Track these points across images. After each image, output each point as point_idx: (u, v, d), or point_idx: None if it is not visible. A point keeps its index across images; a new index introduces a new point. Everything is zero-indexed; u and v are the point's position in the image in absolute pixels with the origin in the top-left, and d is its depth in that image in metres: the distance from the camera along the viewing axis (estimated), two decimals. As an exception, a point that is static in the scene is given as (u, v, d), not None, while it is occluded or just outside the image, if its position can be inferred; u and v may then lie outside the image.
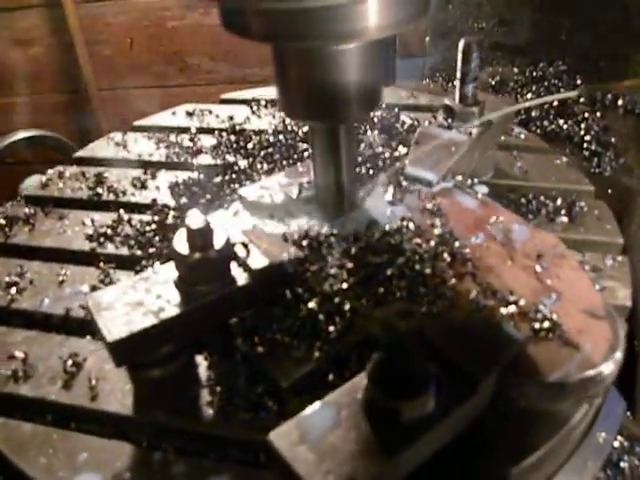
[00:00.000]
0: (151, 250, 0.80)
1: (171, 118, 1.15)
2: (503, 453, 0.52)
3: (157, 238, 0.81)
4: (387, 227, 0.67)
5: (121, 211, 0.88)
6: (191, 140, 1.05)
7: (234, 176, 0.92)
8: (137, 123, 1.13)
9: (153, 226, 0.83)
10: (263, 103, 1.17)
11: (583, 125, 0.99)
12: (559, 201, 0.83)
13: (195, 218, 0.60)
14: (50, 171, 1.00)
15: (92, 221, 0.87)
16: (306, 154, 0.95)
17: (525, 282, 0.61)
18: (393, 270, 0.61)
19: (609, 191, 0.87)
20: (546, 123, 0.99)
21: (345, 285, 0.61)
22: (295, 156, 0.96)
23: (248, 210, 0.77)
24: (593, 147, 0.97)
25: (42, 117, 2.17)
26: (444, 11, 1.38)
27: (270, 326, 0.61)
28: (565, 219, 0.80)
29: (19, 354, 0.68)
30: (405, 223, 0.68)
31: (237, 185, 0.88)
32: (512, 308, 0.57)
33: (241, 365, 0.62)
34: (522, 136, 0.97)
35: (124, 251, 0.82)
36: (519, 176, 0.90)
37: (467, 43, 0.76)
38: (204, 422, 0.59)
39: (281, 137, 1.02)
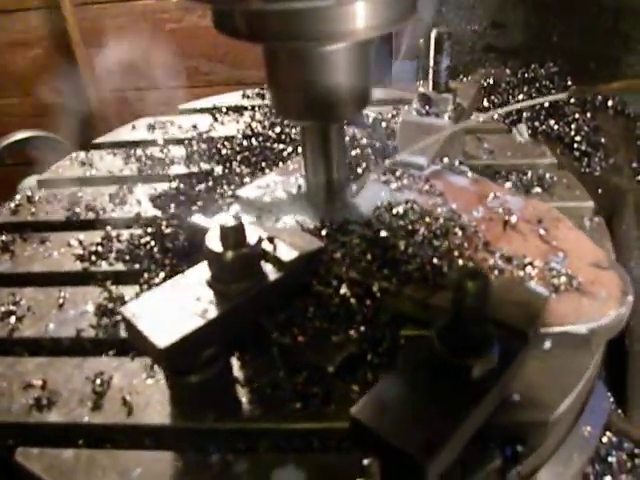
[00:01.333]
0: (150, 262, 0.79)
1: (132, 132, 1.12)
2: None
3: (156, 249, 0.80)
4: (396, 210, 0.70)
5: (108, 228, 0.86)
6: (161, 152, 1.04)
7: (217, 182, 0.91)
8: (98, 140, 1.10)
9: (147, 238, 0.82)
10: (224, 110, 1.17)
11: (574, 126, 1.01)
12: (529, 174, 0.90)
13: (208, 220, 0.61)
14: (17, 197, 0.95)
15: (79, 241, 0.84)
16: (285, 153, 0.97)
17: (533, 245, 0.66)
18: (412, 248, 0.64)
19: (599, 191, 0.89)
20: (537, 124, 1.00)
21: (370, 267, 0.64)
22: (273, 157, 0.97)
23: (246, 210, 0.78)
24: (583, 147, 0.98)
25: (41, 118, 2.11)
26: (437, 14, 1.41)
27: (305, 316, 0.62)
28: (539, 189, 0.87)
29: (37, 382, 0.65)
30: (410, 205, 0.71)
31: (222, 190, 0.88)
32: (529, 269, 0.62)
33: (278, 358, 0.63)
34: (481, 119, 1.03)
35: (120, 267, 0.80)
36: (488, 156, 0.96)
37: (439, 33, 0.81)
38: (255, 418, 0.59)
39: (253, 141, 1.02)
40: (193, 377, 0.59)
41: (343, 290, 0.62)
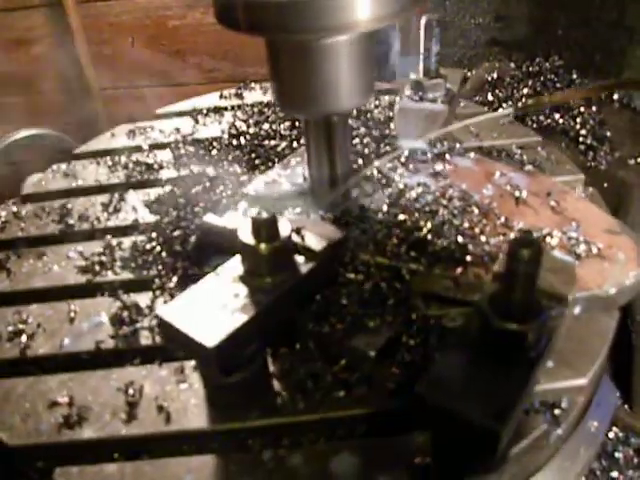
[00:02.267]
0: (160, 267, 0.77)
1: (112, 140, 1.09)
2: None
3: (164, 253, 0.78)
4: (410, 194, 0.71)
5: (108, 237, 0.83)
6: (147, 157, 1.01)
7: (213, 183, 0.90)
8: (79, 150, 1.06)
9: (153, 244, 0.80)
10: (204, 112, 1.15)
11: (579, 119, 0.99)
12: (519, 153, 0.93)
13: (221, 219, 0.60)
14: (3, 213, 0.91)
15: (80, 253, 0.81)
16: (279, 149, 0.96)
17: (547, 217, 0.68)
18: (435, 229, 0.65)
19: (605, 185, 0.86)
20: (542, 118, 0.99)
21: (396, 251, 0.64)
22: (265, 154, 0.96)
23: (254, 206, 0.77)
24: (589, 141, 0.97)
25: (44, 116, 2.14)
26: (441, 7, 1.40)
27: (338, 304, 0.62)
28: (531, 167, 0.90)
29: (62, 399, 0.62)
30: (422, 188, 0.72)
31: (220, 190, 0.87)
32: (549, 240, 0.64)
33: (315, 349, 0.63)
34: (462, 104, 1.06)
35: (128, 275, 0.77)
36: (475, 138, 0.99)
37: (429, 20, 0.82)
38: (300, 411, 0.58)
39: (242, 140, 1.01)
40: (237, 375, 0.57)
41: (372, 275, 0.63)
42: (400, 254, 0.64)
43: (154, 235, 0.81)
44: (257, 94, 1.21)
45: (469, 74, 1.13)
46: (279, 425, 0.58)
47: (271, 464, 0.55)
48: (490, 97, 1.09)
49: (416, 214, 0.68)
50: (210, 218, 0.74)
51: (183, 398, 0.61)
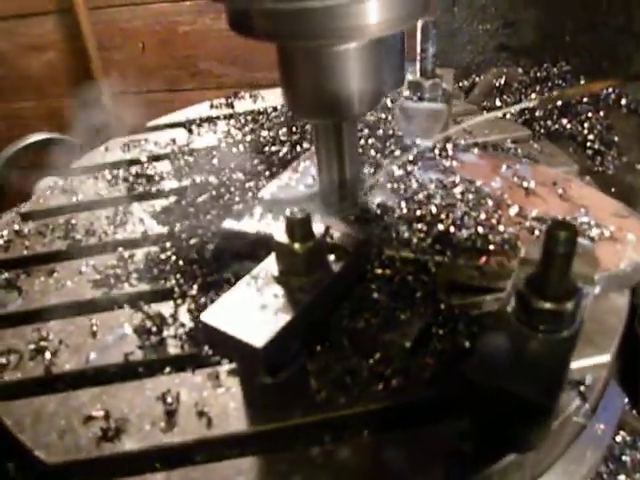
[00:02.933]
0: (179, 276, 0.76)
1: (107, 154, 1.08)
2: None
3: (181, 262, 0.78)
4: (425, 190, 0.73)
5: (119, 249, 0.83)
6: (147, 169, 1.01)
7: (219, 191, 0.90)
8: (76, 165, 1.05)
9: (168, 253, 0.80)
10: (197, 122, 1.15)
11: (586, 124, 0.99)
12: (513, 147, 0.96)
13: (240, 224, 0.60)
14: (4, 232, 0.89)
15: (94, 267, 0.80)
16: (281, 154, 0.97)
17: (556, 205, 0.71)
18: (454, 221, 0.68)
19: (612, 190, 0.85)
20: (550, 123, 0.99)
21: (419, 244, 0.66)
22: (268, 160, 0.97)
23: (268, 210, 0.78)
24: (596, 146, 0.96)
25: (56, 121, 2.10)
26: (450, 13, 1.41)
27: (369, 300, 0.64)
28: (526, 160, 0.94)
29: (97, 413, 0.61)
30: (435, 184, 0.75)
31: (229, 198, 0.87)
32: (563, 226, 0.67)
33: (349, 345, 0.64)
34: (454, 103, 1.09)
35: (145, 286, 0.77)
36: (468, 135, 1.02)
37: (425, 23, 0.85)
38: (342, 406, 0.59)
39: (241, 147, 1.02)
40: (282, 375, 0.58)
41: (399, 270, 0.65)
42: (424, 248, 0.66)
43: (168, 245, 0.81)
44: (247, 103, 1.22)
45: (477, 80, 1.15)
46: (322, 421, 0.59)
47: (320, 460, 0.56)
48: (498, 102, 1.09)
49: (434, 208, 0.70)
50: (229, 224, 0.74)
51: (222, 402, 0.61)
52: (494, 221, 0.68)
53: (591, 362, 0.62)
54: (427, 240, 0.66)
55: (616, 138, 0.98)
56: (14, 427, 0.61)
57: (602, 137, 0.98)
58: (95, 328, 0.71)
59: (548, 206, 0.71)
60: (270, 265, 0.60)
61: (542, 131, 1.00)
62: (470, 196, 0.72)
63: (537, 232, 0.67)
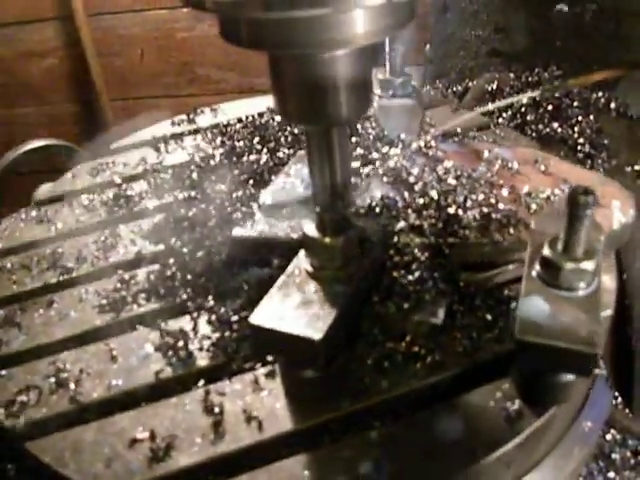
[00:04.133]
0: (189, 290, 0.76)
1: (76, 180, 1.04)
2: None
3: (188, 277, 0.77)
4: (424, 179, 0.77)
5: (118, 272, 0.80)
6: (124, 190, 0.98)
7: (207, 204, 0.90)
8: (43, 197, 1.00)
9: (173, 269, 0.78)
10: (163, 140, 1.14)
11: (577, 128, 1.00)
12: (478, 134, 1.02)
13: (250, 230, 0.62)
14: (-17, 271, 0.84)
15: (97, 293, 0.78)
16: (261, 162, 0.97)
17: (542, 180, 0.77)
18: (460, 205, 0.72)
19: None
20: (541, 127, 1.00)
21: (433, 230, 0.70)
22: (249, 169, 0.97)
23: (269, 215, 0.79)
24: (587, 149, 0.97)
25: (56, 127, 2.24)
26: (443, 19, 1.42)
27: (396, 285, 0.66)
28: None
29: (142, 435, 0.60)
30: (429, 173, 0.79)
31: (220, 210, 0.87)
32: (553, 199, 0.73)
33: (379, 331, 0.66)
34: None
35: (154, 305, 0.76)
36: (432, 127, 1.06)
37: (393, 24, 0.89)
38: (386, 390, 0.61)
39: (217, 159, 1.02)
40: (333, 367, 0.59)
41: (416, 255, 0.68)
42: (436, 232, 0.70)
43: (171, 261, 0.80)
44: (208, 117, 1.22)
45: (470, 85, 1.16)
46: (370, 407, 0.61)
47: (384, 442, 0.57)
48: (490, 107, 1.07)
49: (436, 195, 0.74)
50: (239, 231, 0.75)
51: (268, 404, 0.61)
52: (493, 201, 0.73)
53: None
54: (438, 224, 0.70)
55: (606, 141, 0.99)
56: (55, 463, 0.58)
57: (592, 140, 1.00)
58: (114, 352, 0.69)
59: (535, 182, 0.77)
60: (302, 262, 0.62)
61: (534, 135, 1.02)
62: (464, 181, 0.77)
63: (534, 206, 0.72)
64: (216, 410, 0.61)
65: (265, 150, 1.01)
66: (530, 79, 1.17)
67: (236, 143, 1.06)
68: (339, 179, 0.75)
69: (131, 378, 0.66)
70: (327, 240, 0.59)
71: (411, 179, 0.78)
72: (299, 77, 0.68)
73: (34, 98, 2.33)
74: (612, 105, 1.06)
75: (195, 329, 0.71)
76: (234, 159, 1.01)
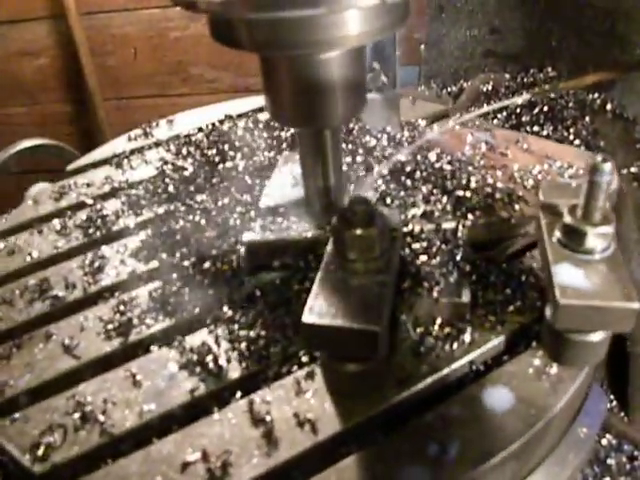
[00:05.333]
0: (200, 303, 0.73)
1: (39, 207, 0.97)
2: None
3: (196, 289, 0.74)
4: (420, 168, 0.79)
5: (116, 293, 0.76)
6: (96, 211, 0.92)
7: (195, 215, 0.87)
8: (6, 226, 0.92)
9: (178, 284, 0.75)
10: (123, 156, 1.08)
11: (572, 130, 0.99)
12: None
13: (262, 234, 0.62)
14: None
15: (97, 318, 0.72)
16: (240, 168, 0.95)
17: (527, 158, 0.82)
18: (463, 188, 0.74)
19: None
20: (537, 128, 0.99)
21: (442, 214, 0.72)
22: (226, 176, 0.95)
23: (270, 217, 0.78)
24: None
25: (48, 127, 2.23)
26: (438, 19, 1.39)
27: (417, 273, 0.67)
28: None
29: (193, 456, 0.57)
30: (423, 162, 0.81)
31: (210, 219, 0.84)
32: (543, 174, 0.78)
33: (408, 319, 0.67)
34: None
35: (166, 323, 0.72)
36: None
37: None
38: (427, 374, 0.62)
39: (190, 170, 0.99)
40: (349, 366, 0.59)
41: (432, 240, 0.69)
42: (446, 216, 0.72)
43: (175, 276, 0.76)
44: (164, 130, 1.18)
45: (465, 85, 1.16)
46: (416, 393, 0.61)
47: (439, 424, 0.58)
48: (485, 107, 1.05)
49: (438, 180, 0.76)
50: (250, 236, 0.73)
51: (316, 405, 0.60)
52: (491, 181, 0.76)
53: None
54: (446, 208, 0.72)
55: (602, 143, 0.99)
56: (106, 502, 0.54)
57: (588, 142, 0.99)
58: (137, 377, 0.65)
59: (522, 161, 0.81)
60: (335, 256, 0.61)
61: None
62: (457, 165, 0.79)
63: (530, 182, 0.76)
64: (266, 419, 0.59)
65: (240, 156, 0.99)
66: (525, 80, 1.17)
67: (206, 152, 1.03)
68: (332, 181, 0.75)
69: (163, 400, 0.63)
70: (363, 231, 0.59)
71: (408, 168, 0.80)
72: (291, 79, 0.67)
73: (26, 97, 2.31)
74: (608, 107, 1.05)
75: (217, 341, 0.68)
76: (207, 168, 0.99)
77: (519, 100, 0.93)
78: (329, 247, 0.63)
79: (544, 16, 1.27)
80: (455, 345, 0.64)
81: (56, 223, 0.91)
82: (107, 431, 0.60)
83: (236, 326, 0.69)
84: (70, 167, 1.08)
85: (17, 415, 0.63)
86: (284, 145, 1.00)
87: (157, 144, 1.11)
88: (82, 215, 0.92)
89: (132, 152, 1.09)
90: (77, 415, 0.61)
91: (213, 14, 0.66)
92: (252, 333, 0.68)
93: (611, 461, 0.81)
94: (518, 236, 0.72)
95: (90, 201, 0.95)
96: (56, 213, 0.94)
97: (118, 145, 1.13)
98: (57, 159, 1.37)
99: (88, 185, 1.01)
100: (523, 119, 1.01)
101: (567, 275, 0.58)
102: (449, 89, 1.11)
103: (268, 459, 0.56)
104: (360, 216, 0.59)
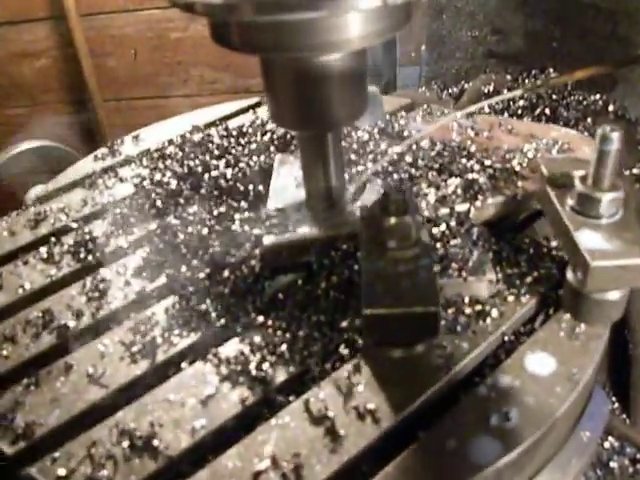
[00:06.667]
0: (224, 314, 0.71)
1: (18, 238, 0.90)
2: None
3: (217, 300, 0.72)
4: (417, 156, 0.81)
5: (131, 315, 0.72)
6: (84, 235, 0.88)
7: (193, 227, 0.84)
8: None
9: (197, 297, 0.73)
10: (94, 177, 1.03)
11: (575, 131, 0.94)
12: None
13: (280, 236, 0.65)
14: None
15: (117, 343, 0.69)
16: (228, 176, 0.93)
17: (513, 140, 0.86)
18: (467, 171, 0.77)
19: None
20: None
21: (452, 199, 0.74)
22: (216, 185, 0.93)
23: (279, 220, 0.77)
24: None
25: (47, 128, 2.05)
26: (439, 20, 1.36)
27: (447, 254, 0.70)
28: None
29: (263, 465, 0.56)
30: (419, 151, 0.83)
31: (208, 230, 0.83)
32: (533, 153, 0.82)
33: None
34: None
35: (193, 338, 0.69)
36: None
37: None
38: (474, 346, 0.64)
39: (174, 184, 0.96)
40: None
41: (449, 224, 0.72)
42: (455, 200, 0.74)
43: (191, 289, 0.74)
44: (130, 147, 1.14)
45: (466, 86, 1.16)
46: (464, 369, 0.63)
47: (494, 393, 0.60)
48: (487, 109, 1.09)
49: (441, 166, 0.79)
50: (271, 239, 0.72)
51: (371, 395, 0.61)
52: (488, 162, 0.80)
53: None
54: (457, 191, 0.74)
55: None
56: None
57: None
58: (178, 396, 0.63)
59: (510, 142, 0.85)
60: (373, 247, 0.62)
61: None
62: (450, 151, 0.82)
63: (525, 160, 0.81)
64: (326, 416, 0.59)
65: (225, 165, 0.97)
66: (527, 81, 1.16)
67: (187, 162, 1.00)
68: (334, 182, 0.75)
69: (213, 415, 0.61)
70: (400, 220, 0.60)
71: (408, 159, 0.82)
72: (293, 82, 0.67)
73: (26, 99, 2.29)
74: (610, 108, 1.05)
75: (253, 349, 0.67)
76: (191, 179, 0.96)
77: (509, 95, 0.92)
78: (362, 239, 0.64)
79: (546, 17, 1.26)
80: (488, 320, 0.67)
81: (42, 251, 0.85)
82: (163, 454, 0.57)
83: (269, 330, 0.68)
84: (36, 195, 1.01)
85: (57, 454, 0.59)
86: (272, 149, 1.00)
87: (128, 161, 1.07)
88: (68, 240, 0.87)
89: (104, 171, 1.04)
90: (126, 443, 0.58)
91: (212, 16, 0.65)
92: (287, 335, 0.67)
93: (614, 464, 0.81)
94: (525, 211, 0.76)
95: (74, 225, 0.90)
96: (38, 241, 0.88)
97: (85, 166, 1.07)
98: (57, 160, 1.35)
99: (64, 210, 0.95)
100: (524, 120, 0.99)
101: (589, 239, 0.62)
102: (450, 90, 1.12)
103: (338, 455, 0.56)
104: (397, 205, 0.60)
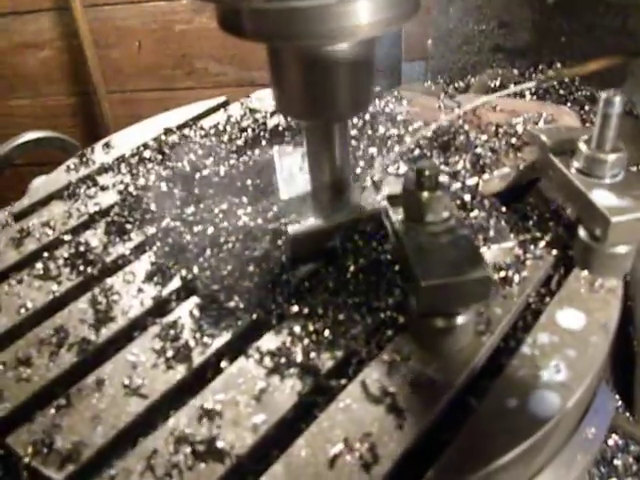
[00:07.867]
0: (256, 308, 0.70)
1: (5, 256, 0.84)
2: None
3: (246, 296, 0.70)
4: (418, 138, 0.83)
5: (154, 321, 0.69)
6: (79, 247, 0.83)
7: (192, 229, 0.82)
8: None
9: (223, 295, 0.71)
10: (73, 187, 0.98)
11: None
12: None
13: (305, 224, 0.67)
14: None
15: (147, 350, 0.66)
16: (221, 173, 0.91)
17: (500, 116, 0.90)
18: (471, 148, 0.80)
19: None
20: None
21: (465, 174, 0.77)
22: (209, 184, 0.91)
23: (289, 208, 0.76)
24: None
25: (51, 119, 2.24)
26: (445, 14, 1.32)
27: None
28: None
29: (337, 449, 0.55)
30: (417, 133, 0.85)
31: (218, 224, 0.81)
32: (523, 125, 0.86)
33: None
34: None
35: (225, 338, 0.68)
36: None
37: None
38: (504, 315, 0.67)
39: (163, 187, 0.92)
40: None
41: (465, 202, 0.74)
42: (465, 176, 0.77)
43: (215, 288, 0.72)
44: (102, 154, 1.08)
45: (473, 81, 1.14)
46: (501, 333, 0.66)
47: (537, 351, 0.63)
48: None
49: (445, 145, 0.81)
50: (296, 228, 0.71)
51: (423, 368, 0.61)
52: (485, 137, 0.83)
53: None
54: (466, 166, 0.77)
55: None
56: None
57: None
58: (229, 397, 0.61)
59: (497, 118, 0.89)
60: (410, 224, 0.63)
61: None
62: (448, 130, 0.85)
63: (518, 130, 0.85)
64: (385, 393, 0.59)
65: (214, 164, 0.95)
66: (534, 75, 1.13)
67: (171, 164, 0.97)
68: (340, 173, 0.75)
69: (271, 409, 0.59)
70: (436, 193, 0.61)
71: (407, 140, 0.83)
72: (301, 71, 0.66)
73: (30, 90, 2.28)
74: None
75: (293, 341, 0.66)
76: (183, 179, 0.93)
77: (523, 87, 0.94)
78: (394, 218, 0.65)
79: (554, 11, 1.25)
80: (513, 285, 0.70)
81: (37, 267, 0.79)
82: (230, 454, 0.56)
83: (307, 319, 0.68)
84: (15, 210, 0.94)
85: (113, 471, 0.55)
86: (262, 143, 0.99)
87: (105, 169, 1.02)
88: (63, 253, 0.82)
89: (81, 181, 0.99)
90: (188, 450, 0.56)
91: (223, 3, 0.64)
92: (327, 321, 0.67)
93: (618, 462, 0.82)
94: (528, 179, 0.80)
95: (66, 237, 0.84)
96: (29, 258, 0.82)
97: (58, 178, 1.01)
98: (60, 152, 1.33)
99: (49, 224, 0.89)
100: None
101: (603, 198, 0.66)
102: (456, 85, 1.11)
103: (407, 429, 0.56)
104: (431, 179, 0.61)
